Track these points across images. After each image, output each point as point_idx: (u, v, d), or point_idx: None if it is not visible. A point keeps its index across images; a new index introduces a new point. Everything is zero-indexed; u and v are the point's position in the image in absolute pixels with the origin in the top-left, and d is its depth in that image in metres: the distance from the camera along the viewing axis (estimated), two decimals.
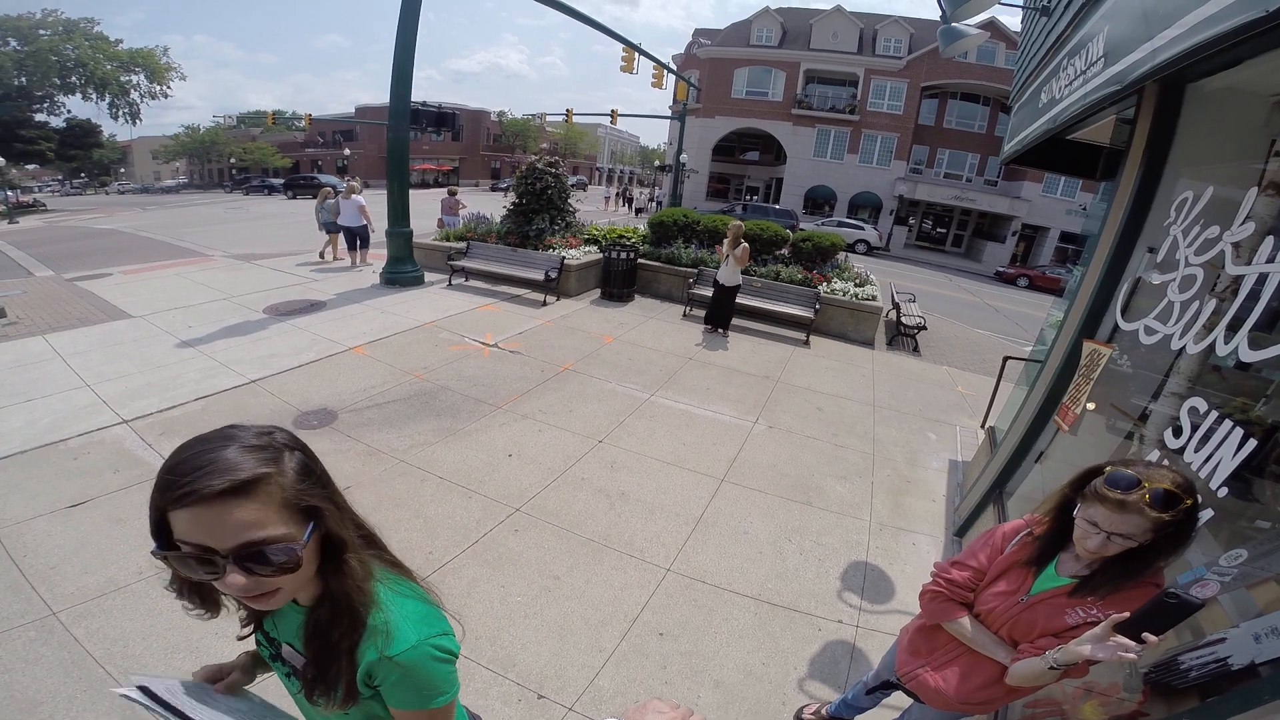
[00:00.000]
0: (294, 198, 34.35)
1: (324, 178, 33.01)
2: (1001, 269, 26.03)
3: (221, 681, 1.04)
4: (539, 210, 10.79)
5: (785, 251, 10.41)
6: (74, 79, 40.08)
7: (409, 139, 9.77)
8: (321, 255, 11.78)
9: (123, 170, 73.32)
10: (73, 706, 2.40)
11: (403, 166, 9.83)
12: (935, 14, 4.39)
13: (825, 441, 5.32)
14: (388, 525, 3.63)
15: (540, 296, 9.08)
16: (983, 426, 5.89)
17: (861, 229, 27.51)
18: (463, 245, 10.32)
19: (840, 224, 27.63)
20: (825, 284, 9.25)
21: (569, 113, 28.07)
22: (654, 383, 6.21)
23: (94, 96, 41.37)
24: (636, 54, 17.80)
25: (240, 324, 7.43)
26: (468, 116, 57.40)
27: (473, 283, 9.82)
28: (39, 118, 41.60)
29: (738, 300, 8.29)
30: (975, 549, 1.74)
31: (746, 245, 7.96)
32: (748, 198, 36.97)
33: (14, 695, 2.44)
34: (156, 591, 2.97)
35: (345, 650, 0.87)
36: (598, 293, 9.73)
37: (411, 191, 10.03)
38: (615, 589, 3.30)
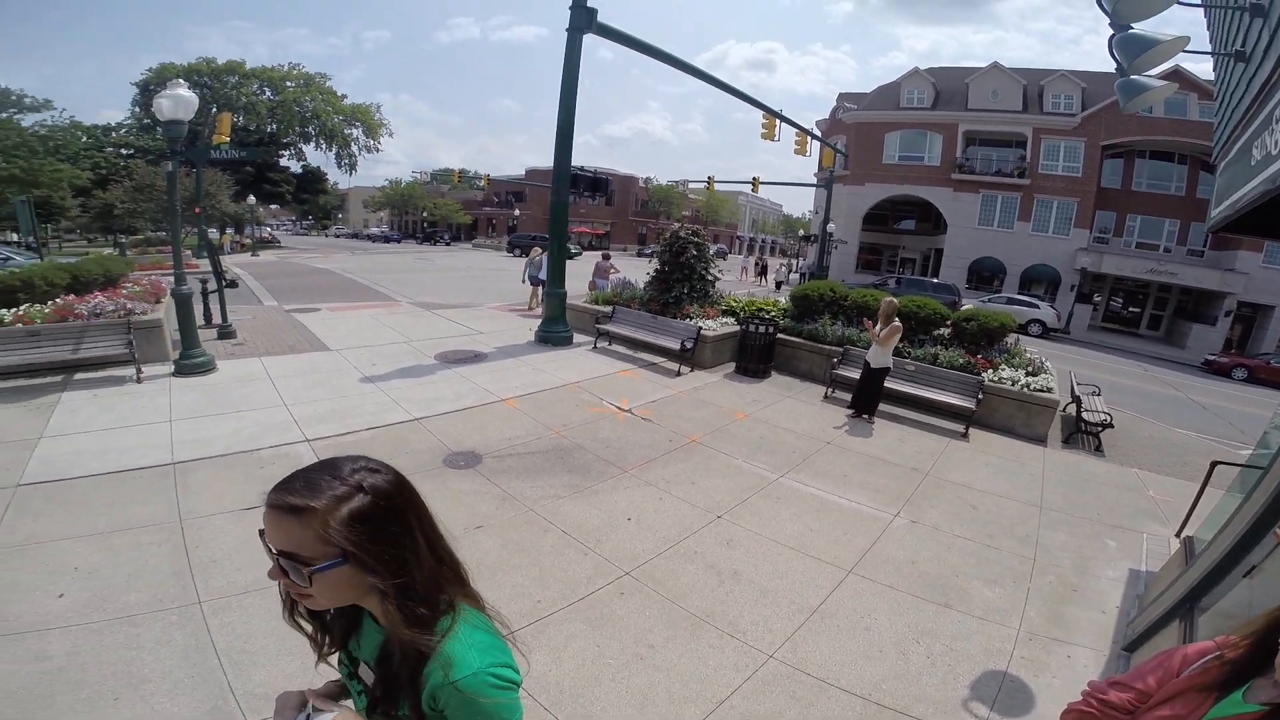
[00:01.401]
0: (519, 255, 37.18)
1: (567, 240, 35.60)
2: (1212, 356, 21.92)
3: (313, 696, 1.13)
4: (680, 279, 11.06)
5: (945, 332, 9.64)
6: (310, 129, 47.21)
7: (569, 203, 10.70)
8: (530, 306, 13.78)
9: (340, 215, 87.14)
10: (176, 690, 2.72)
11: (563, 229, 10.75)
12: (1109, 66, 4.00)
13: (976, 542, 4.86)
14: (506, 569, 3.84)
15: (675, 366, 9.23)
16: (1177, 535, 5.04)
17: (1036, 307, 24.71)
18: (609, 309, 10.90)
19: (1010, 301, 24.99)
20: (991, 370, 8.41)
21: (710, 180, 28.87)
22: (784, 464, 6.03)
23: (324, 146, 48.52)
24: (777, 120, 17.96)
25: (414, 366, 8.44)
26: (619, 182, 60.91)
27: (615, 346, 10.28)
28: (282, 163, 49.07)
29: (886, 384, 7.83)
30: (1144, 670, 1.47)
31: (899, 324, 7.56)
32: (902, 270, 35.09)
33: (130, 671, 2.81)
34: None
35: (407, 675, 0.95)
36: (732, 366, 9.67)
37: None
38: (709, 668, 3.20)
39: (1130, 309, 30.67)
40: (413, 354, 9.15)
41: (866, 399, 7.79)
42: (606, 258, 15.71)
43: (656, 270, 11.45)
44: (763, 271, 34.17)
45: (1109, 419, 8.14)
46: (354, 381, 7.61)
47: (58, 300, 7.86)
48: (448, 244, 55.94)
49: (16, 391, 6.62)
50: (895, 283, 25.43)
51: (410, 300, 15.26)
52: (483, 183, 43.76)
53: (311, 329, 10.70)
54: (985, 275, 31.16)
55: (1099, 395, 9.38)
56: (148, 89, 40.39)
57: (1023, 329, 18.94)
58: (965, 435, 7.63)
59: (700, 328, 9.43)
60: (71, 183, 31.74)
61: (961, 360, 8.60)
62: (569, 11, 9.74)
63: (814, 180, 34.27)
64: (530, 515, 4.54)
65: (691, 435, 6.52)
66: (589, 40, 10.08)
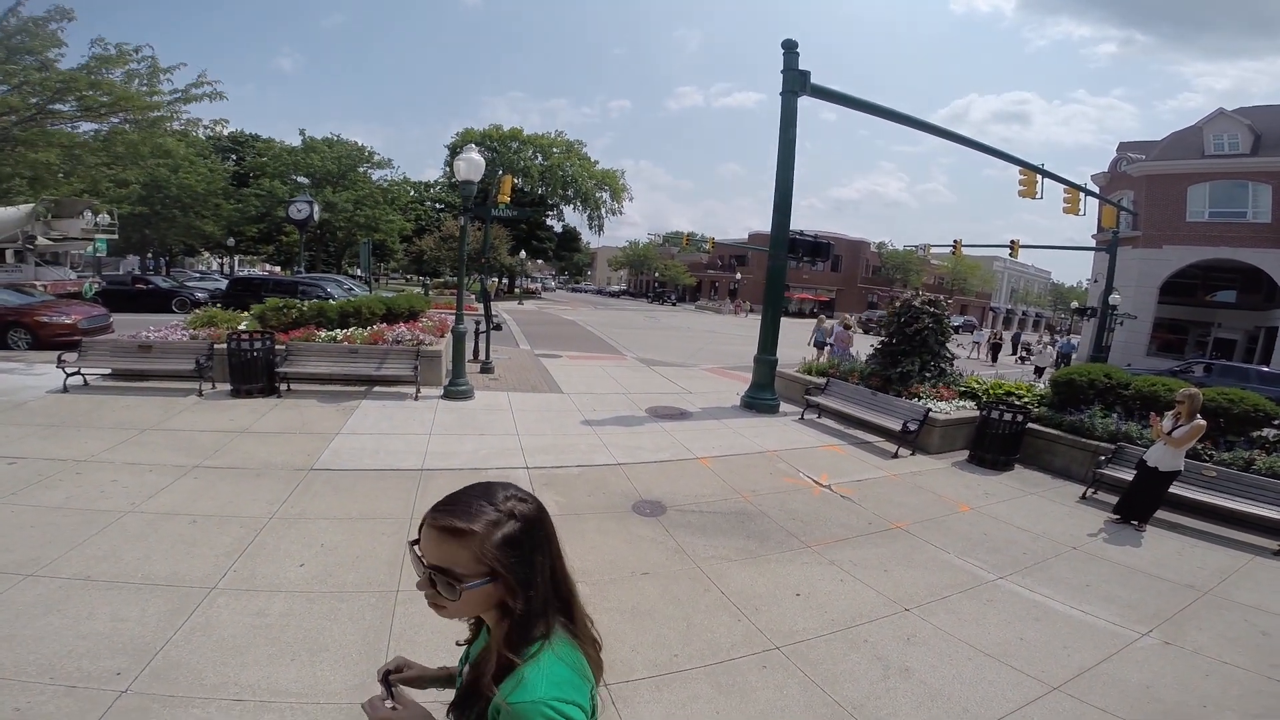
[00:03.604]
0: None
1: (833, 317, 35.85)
2: None
3: (398, 673, 1.29)
4: (909, 353, 10.00)
5: (1270, 433, 7.48)
6: (570, 192, 52.58)
7: (786, 268, 10.54)
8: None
9: (589, 273, 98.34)
10: (342, 662, 3.11)
11: (778, 295, 10.62)
12: None
13: (1251, 671, 3.82)
14: (656, 617, 3.81)
15: (892, 447, 8.31)
16: None
17: None
18: (821, 381, 10.32)
19: None
20: None
21: (957, 244, 26.23)
22: (1008, 565, 5.07)
23: (579, 208, 53.86)
24: (1038, 176, 15.48)
25: (627, 416, 9.02)
26: (846, 246, 58.28)
27: (824, 420, 9.68)
28: (547, 222, 54.43)
29: (1171, 490, 6.27)
30: None
31: (1202, 422, 6.01)
32: (1217, 355, 27.27)
33: (316, 638, 3.26)
34: None
35: (484, 685, 1.00)
36: (964, 455, 8.40)
37: (787, 320, 10.70)
38: None
39: None
40: (628, 404, 9.77)
41: (1140, 505, 6.27)
42: (848, 327, 15.15)
43: (882, 342, 10.59)
44: (994, 349, 27.80)
45: None
46: (575, 423, 8.39)
47: (374, 327, 10.10)
48: (673, 304, 59.38)
49: (333, 395, 8.65)
50: (1204, 370, 19.35)
51: (635, 355, 16.46)
52: (708, 245, 45.32)
53: (552, 373, 12.14)
54: None
55: None
56: (455, 151, 49.17)
57: None
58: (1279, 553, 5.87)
59: (929, 409, 8.40)
60: (400, 230, 40.70)
61: None
62: (781, 75, 9.87)
63: (1092, 243, 28.84)
64: (695, 572, 4.46)
65: (896, 521, 5.78)
66: (811, 103, 10.09)
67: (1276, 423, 7.51)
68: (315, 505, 4.96)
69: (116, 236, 26.50)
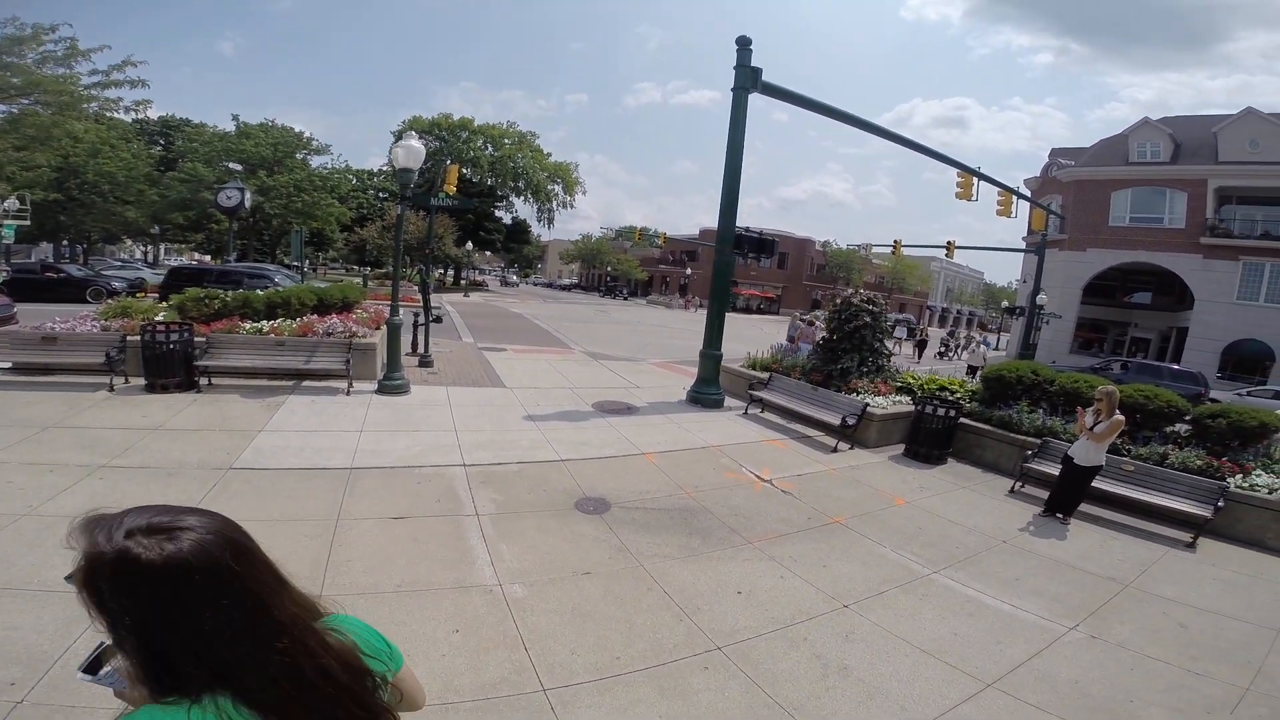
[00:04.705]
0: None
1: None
2: None
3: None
4: (849, 350, 10.30)
5: (1181, 429, 7.98)
6: (520, 183, 50.78)
7: (733, 263, 10.63)
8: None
9: (540, 266, 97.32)
10: None
11: (725, 290, 10.68)
12: None
13: (1172, 665, 3.97)
14: (597, 618, 3.76)
15: (832, 441, 8.49)
16: None
17: None
18: (765, 376, 10.47)
19: None
20: (1240, 475, 6.79)
21: (897, 244, 27.06)
22: (942, 559, 5.20)
23: (530, 200, 52.79)
24: (974, 179, 16.18)
25: (572, 411, 8.86)
26: (792, 244, 59.64)
27: (767, 415, 9.79)
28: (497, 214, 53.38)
29: (1094, 484, 6.58)
30: None
31: (1120, 418, 6.33)
32: (1133, 353, 29.21)
33: None
34: (396, 605, 3.61)
35: None
36: (901, 449, 8.66)
37: (734, 316, 10.81)
38: None
39: None
40: (574, 399, 9.63)
41: (1066, 499, 6.57)
42: (811, 323, 15.31)
43: (823, 339, 10.86)
44: (919, 346, 27.86)
45: None
46: (518, 418, 8.18)
47: (304, 318, 9.60)
48: (625, 298, 59.36)
49: (258, 389, 8.16)
50: (1121, 367, 20.77)
51: (583, 349, 16.27)
52: (660, 241, 45.26)
53: (495, 366, 11.83)
54: (1248, 362, 24.86)
55: None
56: (400, 138, 47.22)
57: None
58: (1191, 545, 6.24)
59: (867, 404, 8.61)
60: (339, 219, 39.10)
61: (1200, 462, 7.06)
62: (733, 71, 9.91)
63: (1022, 245, 30.41)
64: (638, 570, 4.40)
65: (835, 515, 5.88)
66: (763, 103, 10.30)
67: (1188, 418, 7.97)
68: (233, 506, 4.62)
69: (27, 222, 24.54)
